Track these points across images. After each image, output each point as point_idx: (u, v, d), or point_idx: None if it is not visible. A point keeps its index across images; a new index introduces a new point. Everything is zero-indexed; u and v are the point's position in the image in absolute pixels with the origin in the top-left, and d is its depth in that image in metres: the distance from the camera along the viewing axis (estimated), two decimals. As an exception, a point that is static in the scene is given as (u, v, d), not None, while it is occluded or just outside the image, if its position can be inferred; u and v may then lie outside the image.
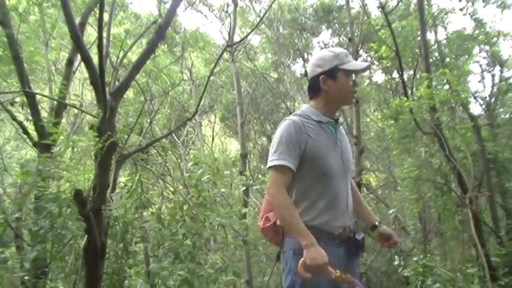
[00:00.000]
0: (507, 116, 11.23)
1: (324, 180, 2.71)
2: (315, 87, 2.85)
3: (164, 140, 8.60)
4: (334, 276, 2.48)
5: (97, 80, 5.00)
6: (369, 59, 12.66)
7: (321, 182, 2.71)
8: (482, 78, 12.15)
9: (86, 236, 5.02)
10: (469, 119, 8.66)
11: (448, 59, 11.04)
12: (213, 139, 17.88)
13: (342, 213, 2.75)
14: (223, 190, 6.69)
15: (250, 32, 10.95)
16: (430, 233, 10.24)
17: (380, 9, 7.52)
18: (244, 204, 8.62)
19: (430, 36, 10.87)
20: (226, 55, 11.86)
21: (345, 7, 11.96)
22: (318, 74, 2.81)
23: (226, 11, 14.25)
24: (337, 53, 2.82)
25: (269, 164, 2.71)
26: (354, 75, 2.90)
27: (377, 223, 3.01)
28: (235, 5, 11.62)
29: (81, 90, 13.09)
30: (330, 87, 2.79)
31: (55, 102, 7.47)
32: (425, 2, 9.18)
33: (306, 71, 2.90)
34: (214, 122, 17.92)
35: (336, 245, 2.71)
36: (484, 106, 11.23)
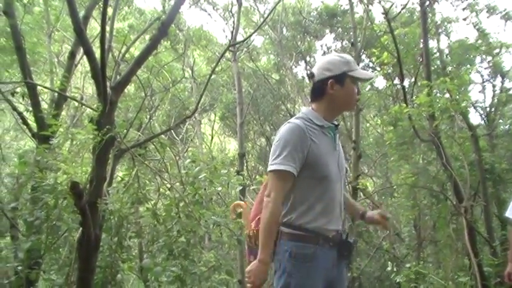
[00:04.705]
0: (506, 127, 11.26)
1: (323, 185, 2.73)
2: (320, 90, 2.85)
3: (163, 136, 8.59)
4: None
5: (98, 73, 5.00)
6: (370, 64, 12.70)
7: (319, 186, 2.72)
8: (483, 88, 12.16)
9: (81, 228, 5.03)
10: (467, 129, 8.68)
11: (449, 68, 11.06)
12: (212, 138, 17.86)
13: (337, 217, 2.79)
14: (219, 189, 6.69)
15: (254, 33, 10.93)
16: (424, 240, 10.28)
17: (383, 15, 7.54)
18: (240, 203, 8.59)
19: (433, 44, 10.89)
20: (228, 54, 11.87)
21: (348, 12, 12.00)
22: (327, 78, 2.81)
23: (230, 11, 14.26)
24: (347, 60, 2.84)
25: (271, 167, 2.69)
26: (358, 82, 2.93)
27: (363, 211, 3.13)
28: (240, 4, 11.61)
29: (83, 84, 13.14)
30: (337, 92, 2.80)
31: (56, 94, 7.48)
32: (429, 10, 9.17)
33: (312, 73, 2.89)
34: (214, 121, 17.93)
35: (330, 248, 2.74)
36: (483, 116, 11.27)
